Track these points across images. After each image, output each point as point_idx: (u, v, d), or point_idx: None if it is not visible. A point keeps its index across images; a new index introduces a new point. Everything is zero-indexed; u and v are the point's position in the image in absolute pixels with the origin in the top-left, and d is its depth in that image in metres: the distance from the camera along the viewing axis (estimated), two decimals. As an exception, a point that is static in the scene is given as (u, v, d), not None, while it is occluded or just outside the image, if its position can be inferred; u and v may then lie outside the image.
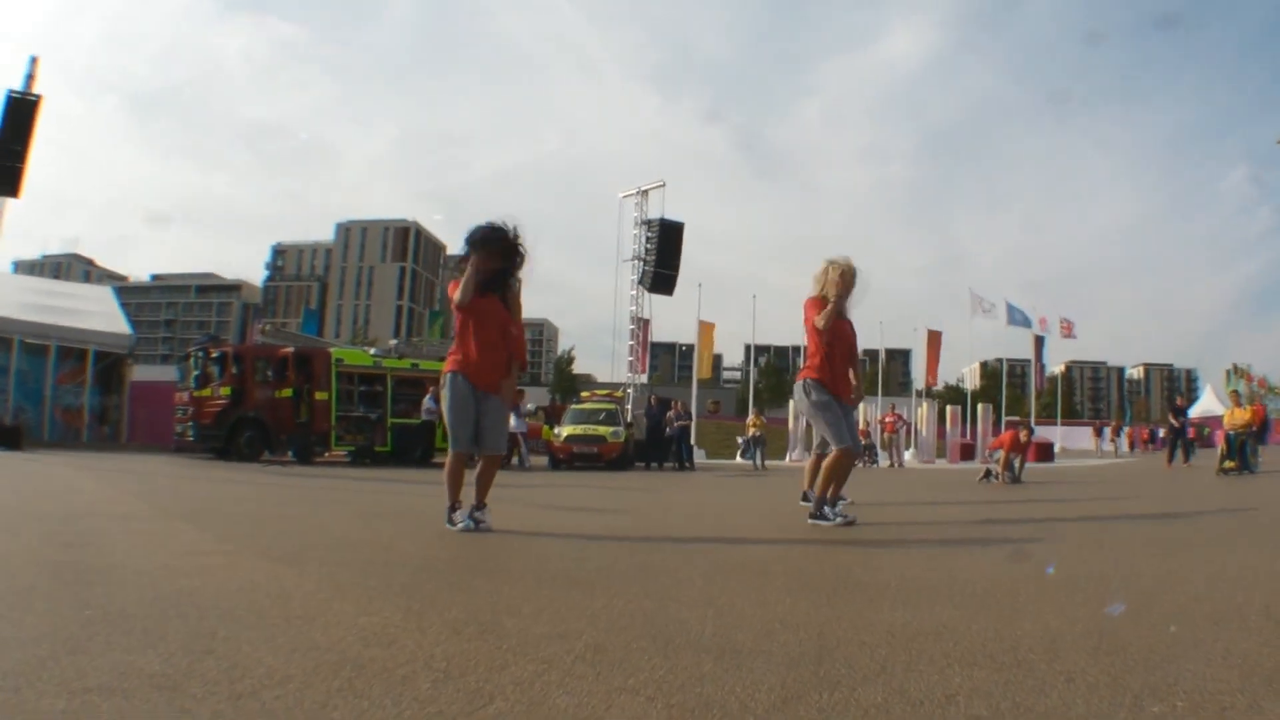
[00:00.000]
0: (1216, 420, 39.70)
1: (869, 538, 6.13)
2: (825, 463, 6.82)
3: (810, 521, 6.73)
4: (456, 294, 5.98)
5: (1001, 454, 15.32)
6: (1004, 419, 35.46)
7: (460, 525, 5.96)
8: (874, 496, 10.80)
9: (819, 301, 7.16)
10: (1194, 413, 46.51)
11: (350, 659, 2.60)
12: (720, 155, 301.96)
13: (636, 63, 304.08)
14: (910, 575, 4.36)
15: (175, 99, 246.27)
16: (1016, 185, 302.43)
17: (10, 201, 25.58)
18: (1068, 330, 45.31)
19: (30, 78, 25.28)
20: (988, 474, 15.60)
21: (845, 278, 7.14)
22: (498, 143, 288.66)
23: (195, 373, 21.72)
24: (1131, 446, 50.13)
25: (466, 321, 6.04)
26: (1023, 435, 15.50)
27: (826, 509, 6.76)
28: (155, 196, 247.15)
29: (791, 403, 33.79)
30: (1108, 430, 49.82)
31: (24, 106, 24.92)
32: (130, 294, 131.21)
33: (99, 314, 28.45)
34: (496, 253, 6.00)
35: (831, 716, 2.19)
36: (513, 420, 21.50)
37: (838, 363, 7.22)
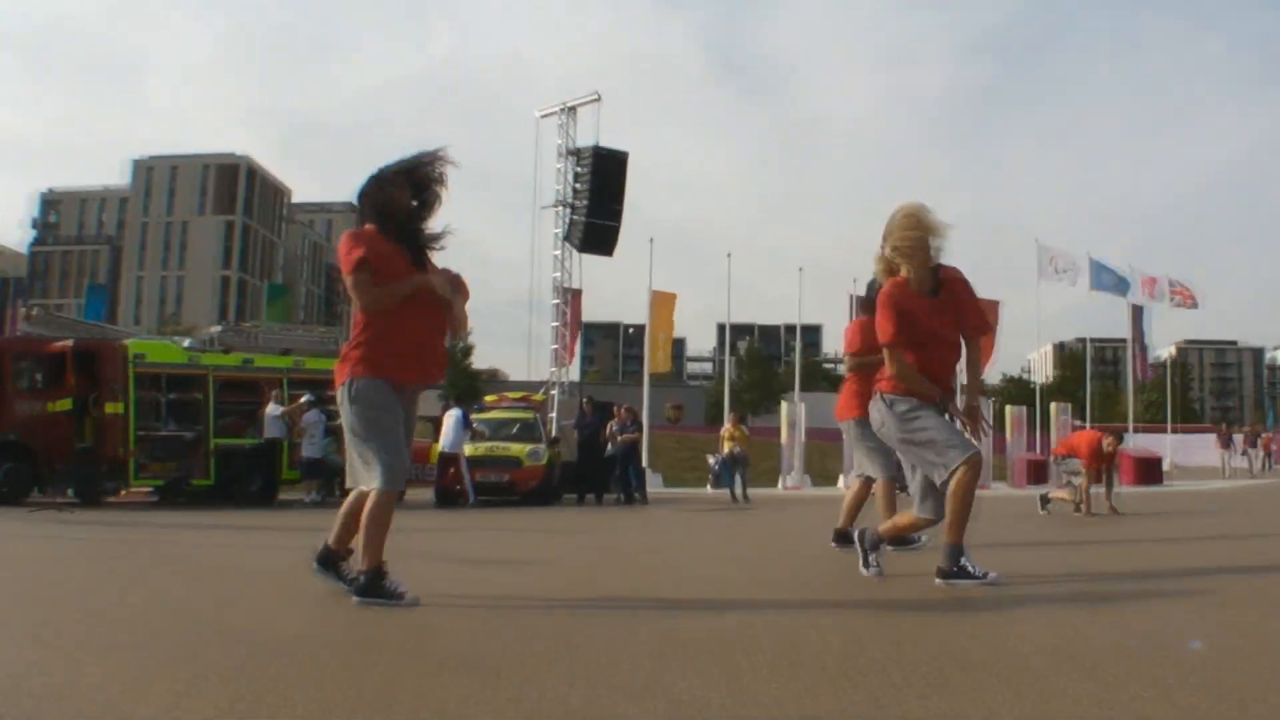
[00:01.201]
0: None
1: (889, 598, 6.19)
2: (955, 485, 6.42)
3: (941, 582, 6.58)
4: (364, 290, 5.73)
5: (1081, 470, 15.11)
6: (1089, 425, 35.01)
7: (408, 598, 5.77)
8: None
9: (902, 289, 6.62)
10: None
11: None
12: (679, 57, 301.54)
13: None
14: (946, 648, 4.40)
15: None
16: (1100, 98, 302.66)
17: None
18: (1186, 298, 43.85)
19: None
20: (1044, 501, 15.48)
21: (928, 231, 6.58)
22: (366, 45, 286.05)
23: (-71, 379, 21.29)
24: (1270, 461, 48.40)
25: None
26: (1106, 443, 15.35)
27: (967, 562, 6.58)
28: None
29: (781, 412, 33.89)
30: (1239, 439, 46.97)
31: None
32: None
33: None
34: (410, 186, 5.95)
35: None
36: (450, 432, 21.45)
37: (934, 367, 6.74)
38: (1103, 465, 15.33)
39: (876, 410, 6.83)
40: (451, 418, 21.79)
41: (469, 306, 6.04)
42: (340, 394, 5.82)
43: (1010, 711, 3.22)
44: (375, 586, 5.70)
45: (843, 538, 9.10)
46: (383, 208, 5.90)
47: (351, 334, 5.92)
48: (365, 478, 5.73)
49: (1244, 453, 45.20)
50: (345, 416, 5.81)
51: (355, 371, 5.76)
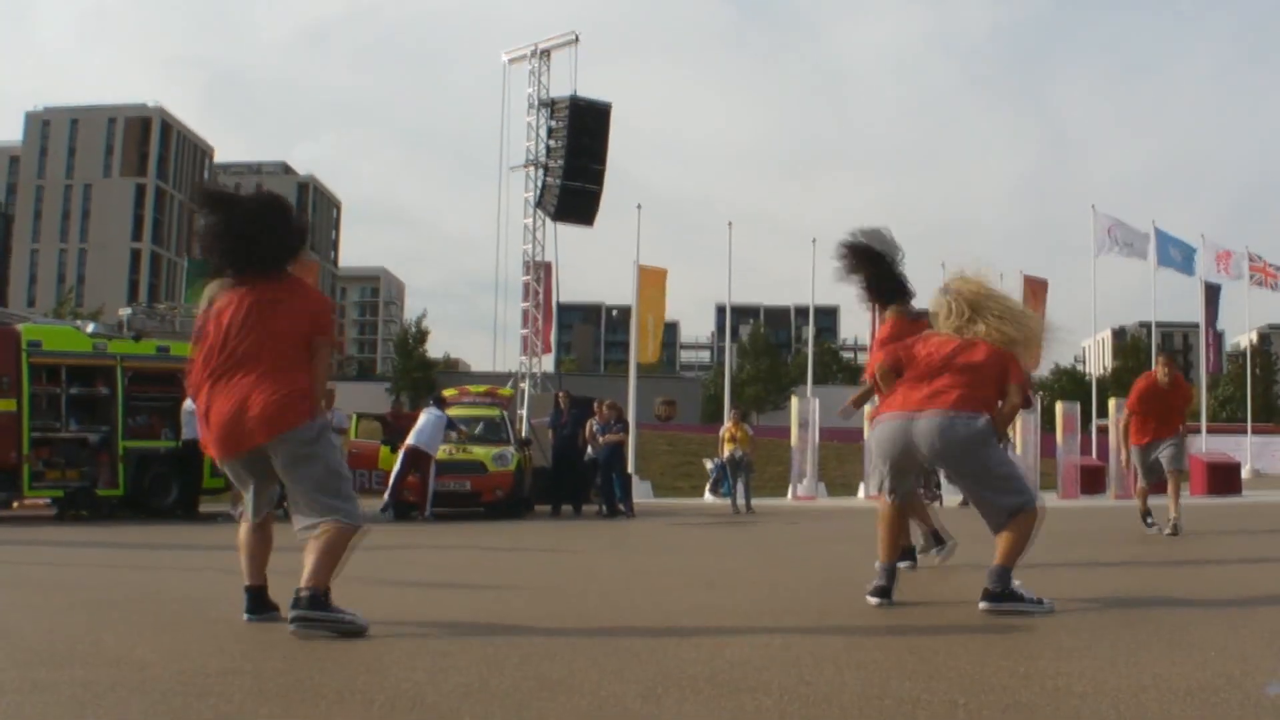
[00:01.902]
0: None
1: (919, 627, 6.19)
2: (1026, 516, 6.83)
3: (986, 606, 6.67)
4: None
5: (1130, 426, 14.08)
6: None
7: (356, 624, 5.91)
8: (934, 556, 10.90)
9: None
10: None
11: None
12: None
13: None
14: (986, 686, 4.40)
15: None
16: (1185, 37, 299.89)
17: None
18: (1269, 275, 43.57)
19: None
20: (1146, 519, 14.25)
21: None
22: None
23: None
24: None
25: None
26: (1160, 372, 14.22)
27: (1017, 585, 6.71)
28: None
29: (791, 409, 33.90)
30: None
31: None
32: None
33: None
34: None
35: None
36: (428, 428, 21.20)
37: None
38: (1158, 414, 13.99)
39: (986, 434, 6.94)
40: (431, 415, 21.33)
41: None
42: (309, 431, 6.11)
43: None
44: (319, 603, 5.83)
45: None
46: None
47: (294, 378, 6.19)
48: (334, 510, 6.00)
49: None
50: (320, 453, 6.13)
51: (316, 410, 6.22)
